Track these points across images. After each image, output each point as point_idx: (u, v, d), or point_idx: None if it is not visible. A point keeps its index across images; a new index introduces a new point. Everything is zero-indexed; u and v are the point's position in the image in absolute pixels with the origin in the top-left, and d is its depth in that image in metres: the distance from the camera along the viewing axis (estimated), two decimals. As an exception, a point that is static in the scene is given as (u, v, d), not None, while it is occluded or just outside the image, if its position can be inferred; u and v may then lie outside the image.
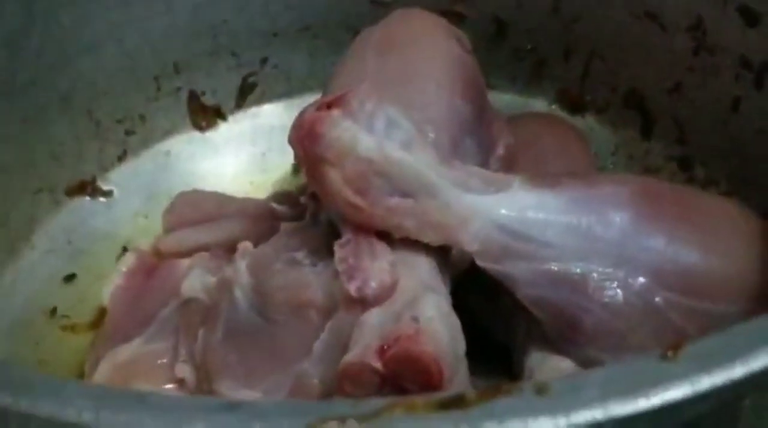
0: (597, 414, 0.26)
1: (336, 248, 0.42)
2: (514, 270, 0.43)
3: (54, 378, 0.29)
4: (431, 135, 0.46)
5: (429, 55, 0.50)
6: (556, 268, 0.42)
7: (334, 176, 0.41)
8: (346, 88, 0.44)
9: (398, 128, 0.42)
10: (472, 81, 0.50)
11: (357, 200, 0.41)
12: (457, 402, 0.26)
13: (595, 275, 0.43)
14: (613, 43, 0.56)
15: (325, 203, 0.43)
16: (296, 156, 0.43)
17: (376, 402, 0.27)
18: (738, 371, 0.26)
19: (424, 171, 0.42)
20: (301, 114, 0.42)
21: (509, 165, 0.50)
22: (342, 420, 0.26)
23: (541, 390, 0.27)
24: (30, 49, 0.54)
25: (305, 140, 0.41)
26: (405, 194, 0.42)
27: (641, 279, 0.42)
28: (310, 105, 0.42)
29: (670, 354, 0.27)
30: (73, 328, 0.54)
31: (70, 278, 0.56)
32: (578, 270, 0.42)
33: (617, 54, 0.56)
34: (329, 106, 0.41)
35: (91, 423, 0.26)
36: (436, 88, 0.48)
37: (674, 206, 0.44)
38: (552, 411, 0.26)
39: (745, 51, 0.52)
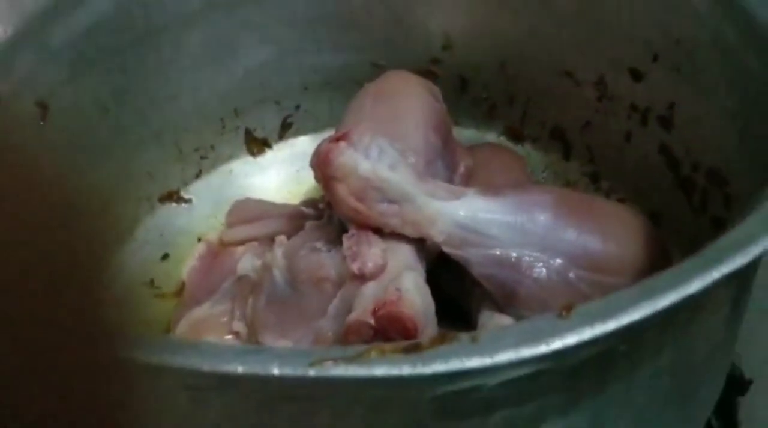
0: (511, 355, 0.26)
1: (344, 239, 0.43)
2: (470, 255, 0.43)
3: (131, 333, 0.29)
4: (411, 159, 0.46)
5: (410, 103, 0.50)
6: (498, 253, 0.43)
7: (342, 190, 0.42)
8: (350, 126, 0.44)
9: (386, 154, 0.43)
10: (440, 121, 0.50)
11: (358, 206, 0.42)
12: (414, 348, 0.27)
13: (526, 258, 0.43)
14: (543, 93, 0.55)
15: (336, 209, 0.43)
16: (315, 175, 0.43)
17: (359, 348, 0.27)
18: (611, 325, 0.26)
19: (405, 185, 0.42)
20: (319, 146, 0.43)
21: (468, 180, 0.50)
22: (335, 360, 0.26)
23: (474, 338, 0.27)
24: (130, 98, 0.54)
25: (321, 163, 0.42)
26: (392, 202, 0.42)
27: (559, 261, 0.42)
28: (325, 139, 0.42)
29: (564, 313, 0.27)
30: (163, 296, 0.54)
31: (164, 257, 0.56)
32: (515, 255, 0.42)
33: (546, 101, 0.56)
34: (338, 140, 0.42)
35: (156, 363, 0.26)
36: (415, 126, 0.48)
37: (583, 209, 0.44)
38: (481, 353, 0.27)
39: (634, 99, 0.52)
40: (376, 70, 0.57)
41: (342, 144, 0.41)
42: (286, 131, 0.61)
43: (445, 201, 0.43)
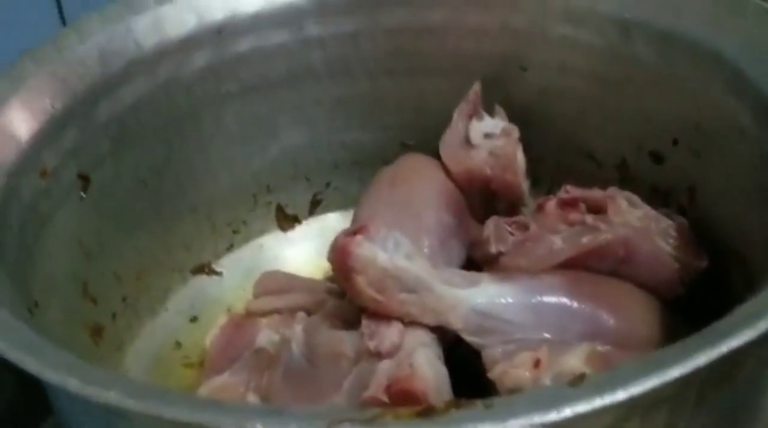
0: (524, 421, 0.27)
1: (363, 318, 0.44)
2: (489, 342, 0.43)
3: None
4: (426, 240, 0.48)
5: (424, 186, 0.53)
6: (517, 337, 0.43)
7: (361, 281, 0.42)
8: (367, 219, 0.46)
9: (402, 246, 0.44)
10: (455, 201, 0.53)
11: (378, 296, 0.43)
12: (429, 412, 0.28)
13: (547, 335, 0.43)
14: (567, 174, 0.55)
15: (356, 299, 0.43)
16: (333, 269, 0.44)
17: (375, 411, 0.28)
18: (620, 395, 0.27)
19: (422, 275, 0.43)
20: (336, 240, 0.43)
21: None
22: (352, 421, 0.27)
23: (488, 405, 0.28)
24: (169, 173, 0.56)
25: (340, 256, 0.42)
26: (410, 291, 0.43)
27: (575, 340, 0.43)
28: (341, 233, 0.43)
29: (576, 382, 0.28)
30: (191, 365, 0.55)
31: (193, 320, 0.57)
32: (535, 338, 0.43)
33: (570, 182, 0.53)
34: (355, 233, 0.43)
35: (181, 419, 0.27)
36: (428, 208, 0.51)
37: (593, 288, 0.45)
38: (494, 419, 0.27)
39: (655, 181, 0.53)
40: (405, 149, 0.59)
41: (359, 237, 0.42)
42: (316, 207, 0.63)
43: (462, 288, 0.44)
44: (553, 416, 0.27)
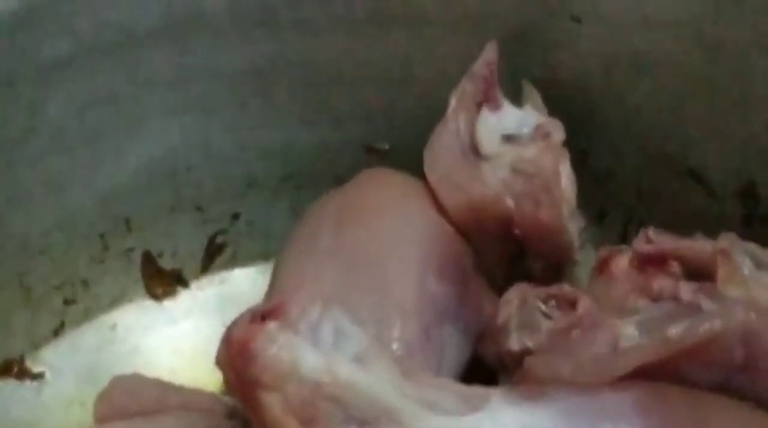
0: None
1: None
2: None
3: None
4: (397, 326, 0.49)
5: (397, 225, 0.53)
6: None
7: (274, 403, 0.42)
8: (292, 286, 0.47)
9: (349, 337, 0.43)
10: (452, 254, 0.53)
11: None
12: None
13: None
14: (654, 205, 0.57)
15: None
16: (226, 381, 0.43)
17: None
18: None
19: (383, 392, 0.43)
20: (230, 328, 0.42)
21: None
22: None
23: None
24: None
25: (236, 359, 0.41)
26: (363, 423, 0.42)
27: None
28: (242, 315, 0.43)
29: None
30: None
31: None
32: None
33: (659, 219, 0.54)
34: (264, 316, 0.42)
35: None
36: (403, 269, 0.51)
37: (689, 414, 0.45)
38: None
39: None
40: (371, 158, 0.61)
41: (271, 325, 0.42)
42: (214, 257, 0.64)
43: (455, 416, 0.44)
44: None
